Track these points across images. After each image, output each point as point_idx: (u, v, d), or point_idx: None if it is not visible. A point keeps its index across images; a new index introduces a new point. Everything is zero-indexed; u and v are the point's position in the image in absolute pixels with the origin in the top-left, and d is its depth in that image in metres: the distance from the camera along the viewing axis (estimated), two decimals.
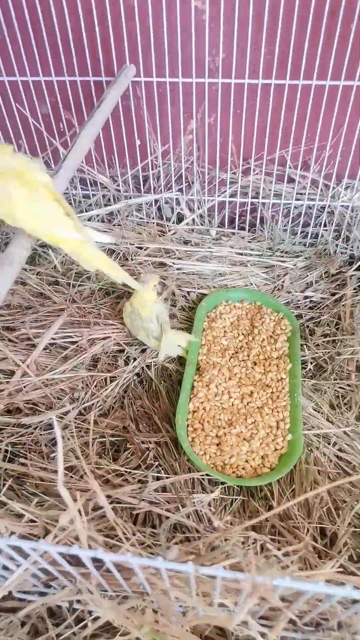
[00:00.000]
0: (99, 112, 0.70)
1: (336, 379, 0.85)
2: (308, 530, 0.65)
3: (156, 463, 0.71)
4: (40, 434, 0.76)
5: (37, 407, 0.79)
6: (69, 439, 0.75)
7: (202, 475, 0.69)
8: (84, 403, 0.81)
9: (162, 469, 0.70)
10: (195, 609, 0.34)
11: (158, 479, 0.68)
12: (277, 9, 0.78)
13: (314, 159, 0.95)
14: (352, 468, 0.74)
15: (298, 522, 0.65)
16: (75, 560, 0.44)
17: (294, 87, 0.83)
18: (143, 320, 0.83)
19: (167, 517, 0.64)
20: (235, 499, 0.69)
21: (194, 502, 0.65)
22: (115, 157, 0.99)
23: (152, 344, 0.85)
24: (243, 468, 0.72)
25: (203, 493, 0.68)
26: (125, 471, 0.69)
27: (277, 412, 0.78)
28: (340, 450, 0.76)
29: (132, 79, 0.83)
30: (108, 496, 0.65)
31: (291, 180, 1.00)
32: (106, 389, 0.83)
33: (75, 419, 0.79)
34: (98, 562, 0.42)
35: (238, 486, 0.70)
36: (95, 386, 0.83)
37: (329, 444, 0.77)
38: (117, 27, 0.82)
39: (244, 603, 0.29)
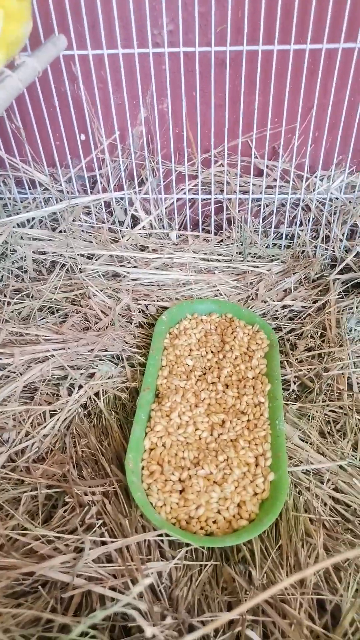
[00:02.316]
0: (13, 77, 0.56)
1: (325, 401, 0.71)
2: (301, 604, 0.48)
3: (100, 522, 0.54)
4: None
5: None
6: None
7: (160, 536, 0.53)
8: (15, 446, 0.64)
9: (108, 529, 0.53)
10: None
11: (102, 543, 0.52)
12: None
13: (282, 146, 0.83)
14: (352, 512, 0.58)
15: (288, 594, 0.49)
16: None
17: (253, 55, 0.71)
18: None
19: (113, 599, 0.47)
20: (205, 565, 0.52)
21: (147, 574, 0.49)
22: (55, 154, 0.86)
23: None
24: (214, 521, 0.56)
25: (162, 560, 0.52)
26: (56, 537, 0.52)
27: (256, 445, 0.63)
28: (336, 489, 0.60)
29: (63, 51, 0.70)
30: (30, 573, 0.48)
31: (259, 173, 0.87)
32: (44, 427, 0.67)
33: (3, 466, 0.62)
34: None
35: (208, 548, 0.53)
36: (31, 423, 0.67)
37: (321, 482, 0.61)
38: None
39: None
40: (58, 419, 0.68)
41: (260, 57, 0.72)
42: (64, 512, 0.56)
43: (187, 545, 0.53)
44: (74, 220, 0.89)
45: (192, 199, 0.90)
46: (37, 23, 0.71)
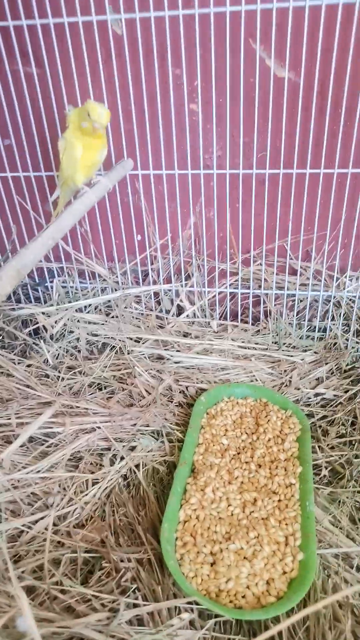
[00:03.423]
0: (89, 193, 0.69)
1: (356, 487, 0.72)
2: None
3: (134, 586, 0.57)
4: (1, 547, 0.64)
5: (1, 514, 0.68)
6: (34, 555, 0.63)
7: (190, 604, 0.55)
8: (58, 510, 0.69)
9: (142, 594, 0.56)
10: None
11: (135, 606, 0.54)
12: (266, 105, 0.81)
13: (314, 250, 0.93)
14: None
15: None
16: None
17: (289, 176, 0.84)
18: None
19: None
20: (232, 639, 0.53)
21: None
22: (114, 251, 0.99)
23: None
24: (243, 596, 0.57)
25: (190, 629, 0.53)
26: (94, 596, 0.55)
27: (286, 524, 0.65)
28: None
29: (130, 171, 0.85)
30: (65, 627, 0.51)
31: (294, 272, 0.97)
32: (86, 494, 0.72)
33: (46, 529, 0.67)
34: None
35: (236, 620, 0.55)
36: (74, 490, 0.72)
37: (351, 567, 0.62)
38: (116, 128, 0.86)
39: None
40: (99, 488, 0.73)
41: (295, 178, 0.84)
42: (101, 575, 0.60)
43: (216, 617, 0.55)
44: (125, 307, 1.00)
45: (233, 292, 1.00)
46: (111, 149, 0.88)
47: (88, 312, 1.02)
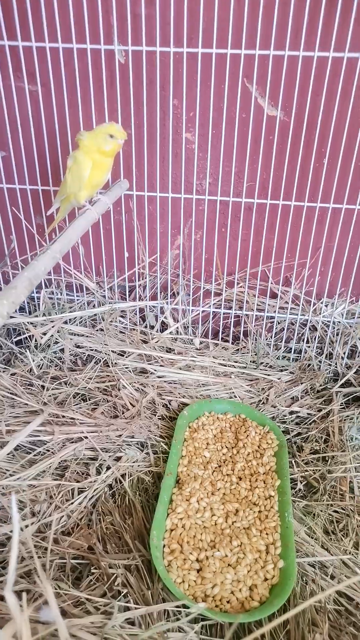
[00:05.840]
0: (92, 210, 0.73)
1: (329, 501, 0.77)
2: None
3: (125, 591, 0.59)
4: None
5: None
6: (22, 560, 0.64)
7: (179, 608, 0.58)
8: (45, 517, 0.70)
9: (132, 598, 0.58)
10: None
11: (126, 609, 0.56)
12: (258, 140, 0.87)
13: (294, 276, 0.99)
14: (354, 606, 0.63)
15: None
16: None
17: (275, 206, 0.90)
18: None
19: None
20: None
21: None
22: (104, 266, 1.02)
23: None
24: (228, 601, 0.60)
25: (179, 632, 0.56)
26: (87, 599, 0.57)
27: (267, 534, 0.69)
28: (339, 583, 0.65)
29: (125, 191, 0.89)
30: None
31: (274, 296, 1.03)
32: (72, 503, 0.73)
33: (33, 536, 0.67)
34: None
35: (219, 624, 0.58)
36: (61, 498, 0.74)
37: (326, 575, 0.66)
38: None
39: None
40: (86, 496, 0.74)
41: (280, 208, 0.91)
42: (91, 580, 0.61)
43: (203, 619, 0.57)
44: (111, 321, 1.02)
45: (215, 312, 1.05)
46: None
47: (74, 324, 1.04)
